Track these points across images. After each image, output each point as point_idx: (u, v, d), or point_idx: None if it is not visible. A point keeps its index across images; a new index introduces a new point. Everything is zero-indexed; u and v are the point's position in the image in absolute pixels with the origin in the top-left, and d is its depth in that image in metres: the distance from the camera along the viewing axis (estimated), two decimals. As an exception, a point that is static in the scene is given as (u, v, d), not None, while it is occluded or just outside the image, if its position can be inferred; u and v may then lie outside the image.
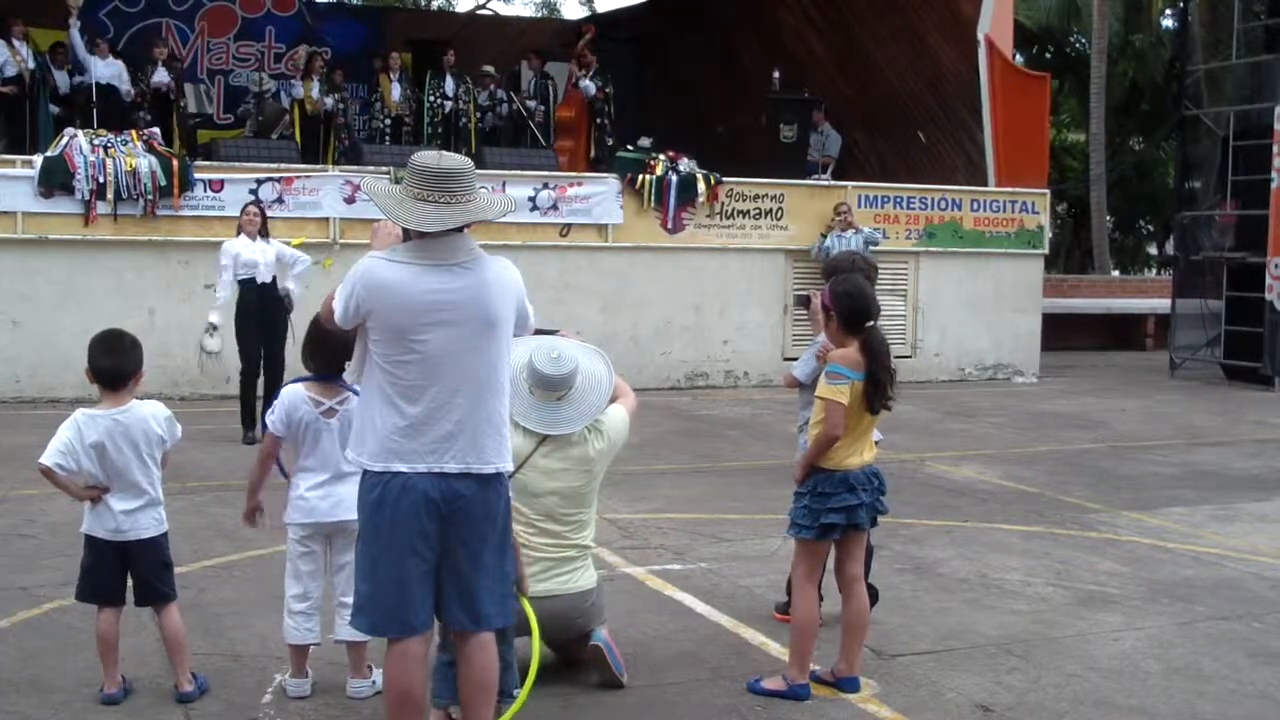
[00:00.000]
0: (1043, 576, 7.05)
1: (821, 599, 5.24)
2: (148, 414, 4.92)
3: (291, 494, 5.04)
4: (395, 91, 17.61)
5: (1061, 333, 19.75)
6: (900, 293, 16.41)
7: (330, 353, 4.89)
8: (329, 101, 17.10)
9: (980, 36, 16.89)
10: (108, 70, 15.81)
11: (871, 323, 5.09)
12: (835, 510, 5.04)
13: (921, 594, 6.68)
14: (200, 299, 13.14)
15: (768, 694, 5.09)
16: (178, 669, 4.97)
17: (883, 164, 19.22)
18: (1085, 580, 6.99)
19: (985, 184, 17.16)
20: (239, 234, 10.93)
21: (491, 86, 17.86)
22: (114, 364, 4.89)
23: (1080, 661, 5.63)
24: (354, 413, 4.48)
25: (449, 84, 17.66)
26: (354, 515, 4.49)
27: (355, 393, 4.86)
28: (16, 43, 15.49)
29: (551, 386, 5.04)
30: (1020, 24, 24.69)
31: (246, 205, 11.29)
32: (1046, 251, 17.89)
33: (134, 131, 13.86)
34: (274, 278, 10.82)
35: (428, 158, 4.09)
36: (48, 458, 4.79)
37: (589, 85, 17.89)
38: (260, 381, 10.96)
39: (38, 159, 13.18)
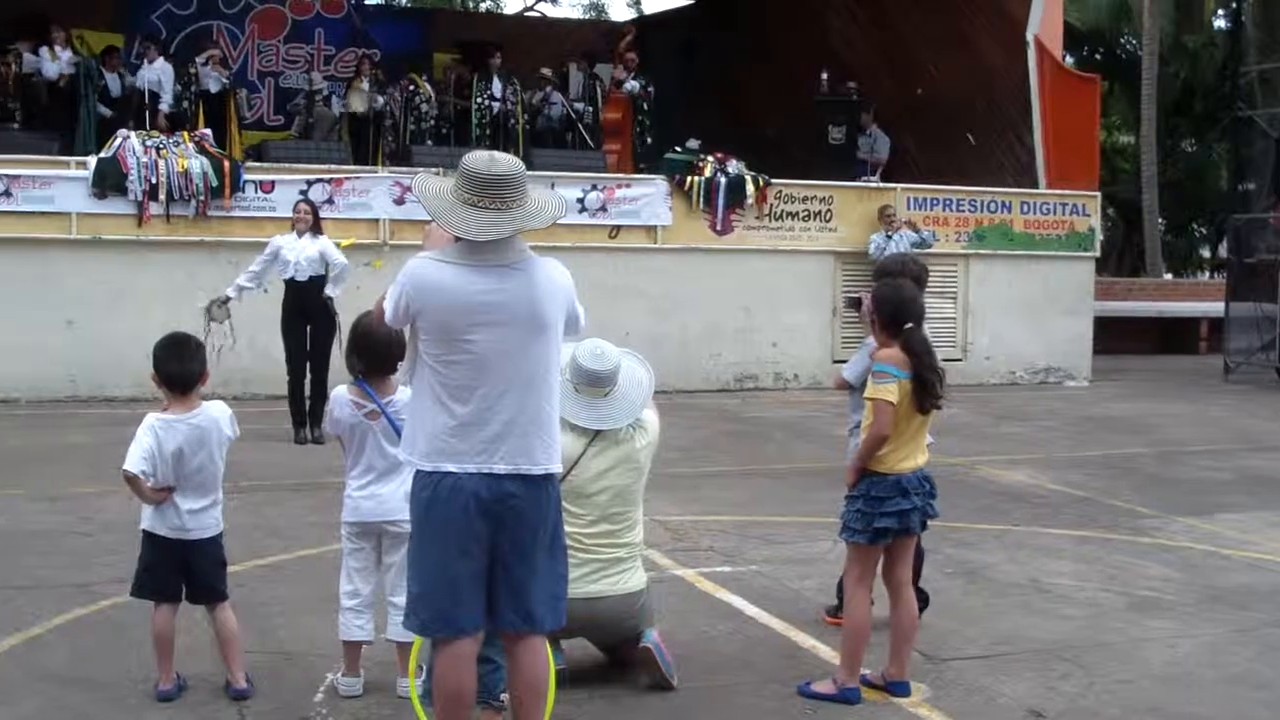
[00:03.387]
0: (1095, 581, 6.98)
1: (872, 603, 5.22)
2: (217, 416, 4.98)
3: (344, 493, 5.09)
4: (432, 92, 17.74)
5: (1113, 336, 19.57)
6: (950, 295, 16.30)
7: (372, 354, 4.92)
8: (380, 100, 17.20)
9: (1030, 38, 16.77)
10: (152, 76, 15.97)
11: (910, 324, 5.07)
12: (888, 514, 5.02)
13: (972, 598, 6.63)
14: (251, 298, 13.22)
15: (818, 697, 5.07)
16: (232, 666, 5.00)
17: (932, 166, 19.11)
18: (1138, 585, 6.92)
19: (1035, 186, 17.04)
20: (292, 230, 11.04)
21: (547, 89, 17.87)
22: (182, 369, 4.95)
23: (1133, 668, 5.57)
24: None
25: (495, 85, 17.71)
26: (400, 515, 4.55)
27: (378, 405, 4.89)
28: (58, 48, 15.61)
29: (597, 382, 5.10)
30: (1070, 25, 24.49)
31: (298, 203, 11.41)
32: (1097, 254, 17.77)
33: (185, 133, 14.00)
34: (311, 277, 10.83)
35: (479, 163, 4.04)
36: (132, 464, 4.81)
37: (634, 84, 17.88)
38: (308, 381, 11.03)
39: (91, 160, 13.32)
